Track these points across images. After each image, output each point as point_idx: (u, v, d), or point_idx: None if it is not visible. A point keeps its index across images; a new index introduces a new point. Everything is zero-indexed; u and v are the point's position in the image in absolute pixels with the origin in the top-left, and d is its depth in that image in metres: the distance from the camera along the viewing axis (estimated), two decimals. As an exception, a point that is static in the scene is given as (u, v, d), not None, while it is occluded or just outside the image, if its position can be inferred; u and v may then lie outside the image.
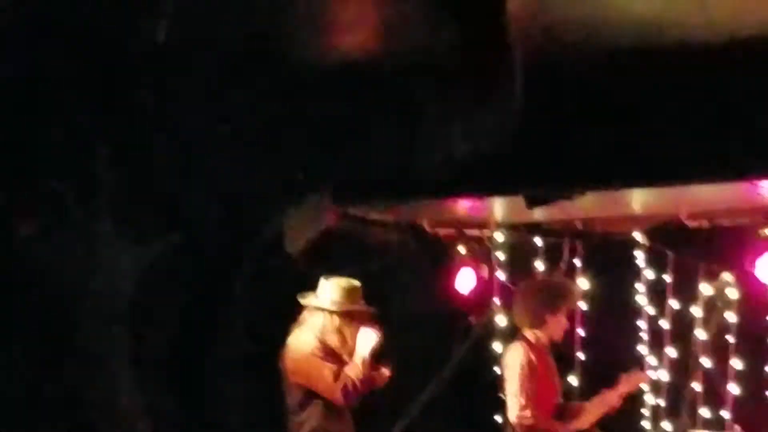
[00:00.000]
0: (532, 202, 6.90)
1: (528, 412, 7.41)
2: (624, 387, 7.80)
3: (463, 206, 7.63)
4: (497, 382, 7.95)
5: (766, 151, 5.07)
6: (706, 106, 5.08)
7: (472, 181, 5.98)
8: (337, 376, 6.93)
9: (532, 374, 7.49)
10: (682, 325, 8.54)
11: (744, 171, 5.35)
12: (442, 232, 8.41)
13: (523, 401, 7.41)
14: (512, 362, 7.56)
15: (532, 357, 7.52)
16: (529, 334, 7.62)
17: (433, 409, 8.59)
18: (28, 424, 2.06)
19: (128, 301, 2.03)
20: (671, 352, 8.60)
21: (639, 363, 8.71)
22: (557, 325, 7.65)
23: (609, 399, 7.72)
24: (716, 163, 5.21)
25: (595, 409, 7.68)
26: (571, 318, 7.95)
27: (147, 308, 2.01)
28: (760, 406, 8.37)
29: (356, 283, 7.18)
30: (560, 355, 8.05)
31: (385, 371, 7.20)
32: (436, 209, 7.78)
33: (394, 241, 8.10)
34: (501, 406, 7.82)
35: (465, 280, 8.38)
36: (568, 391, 8.29)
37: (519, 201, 7.02)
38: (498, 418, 8.31)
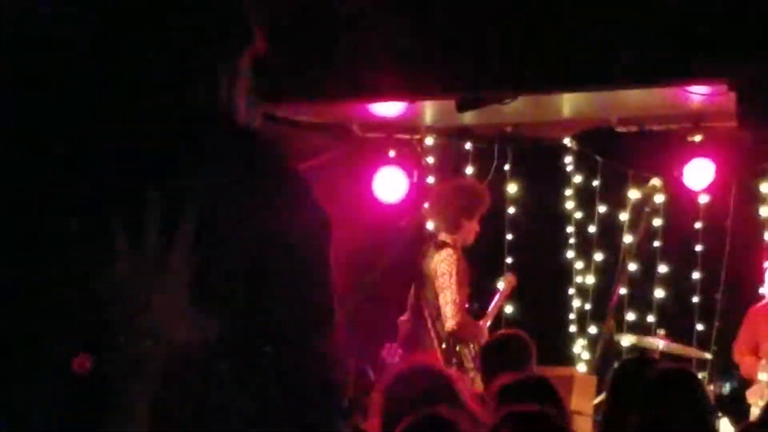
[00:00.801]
0: (463, 106, 6.84)
1: (462, 319, 7.42)
2: (504, 291, 7.94)
3: (393, 110, 7.55)
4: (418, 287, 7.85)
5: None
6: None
7: (400, 83, 5.91)
8: None
9: (461, 280, 7.50)
10: (610, 230, 8.59)
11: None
12: (372, 135, 8.33)
13: (457, 308, 7.41)
14: (444, 269, 7.51)
15: (458, 262, 7.51)
16: (447, 238, 7.59)
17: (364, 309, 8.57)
18: None
19: None
20: (598, 256, 8.67)
21: (567, 267, 8.79)
22: (471, 230, 7.64)
23: (496, 307, 7.88)
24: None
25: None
26: (486, 222, 7.92)
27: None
28: (686, 311, 8.47)
29: None
30: (487, 259, 8.07)
31: None
32: (366, 113, 7.70)
33: (324, 144, 8.01)
34: (420, 313, 7.74)
35: (395, 185, 8.33)
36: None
37: (449, 105, 6.95)
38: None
